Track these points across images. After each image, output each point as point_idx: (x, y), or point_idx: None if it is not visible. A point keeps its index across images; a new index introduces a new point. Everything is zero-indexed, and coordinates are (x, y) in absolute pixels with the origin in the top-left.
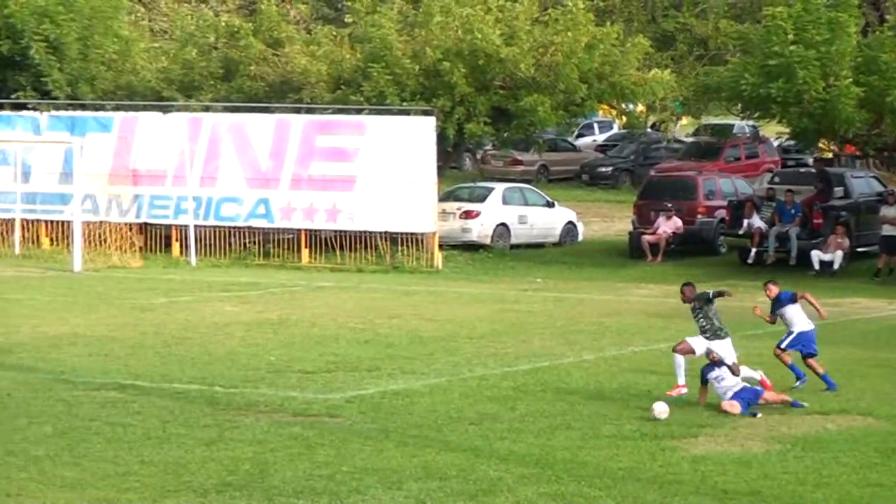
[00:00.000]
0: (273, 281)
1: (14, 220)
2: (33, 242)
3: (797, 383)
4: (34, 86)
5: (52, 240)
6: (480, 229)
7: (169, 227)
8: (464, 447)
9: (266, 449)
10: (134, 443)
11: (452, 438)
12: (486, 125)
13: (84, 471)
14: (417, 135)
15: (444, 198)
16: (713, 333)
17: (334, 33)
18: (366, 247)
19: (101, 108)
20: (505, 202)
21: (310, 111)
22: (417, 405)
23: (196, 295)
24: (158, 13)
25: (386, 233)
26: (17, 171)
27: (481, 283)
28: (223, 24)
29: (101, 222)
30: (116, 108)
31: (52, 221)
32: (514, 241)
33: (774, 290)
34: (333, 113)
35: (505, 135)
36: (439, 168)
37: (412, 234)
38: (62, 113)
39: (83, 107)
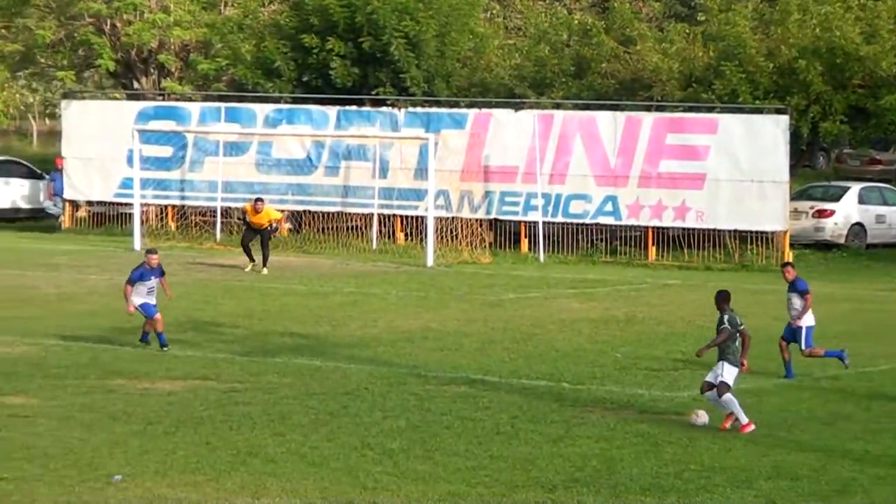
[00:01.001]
0: (620, 278)
1: (372, 214)
2: (389, 237)
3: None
4: (393, 82)
5: (406, 235)
6: (834, 228)
7: (518, 223)
8: (815, 447)
9: (612, 446)
10: (483, 437)
11: (803, 438)
12: (843, 124)
13: (436, 464)
14: (770, 133)
15: (796, 196)
16: (722, 352)
17: (687, 31)
18: (714, 245)
19: (456, 104)
20: (861, 201)
21: (660, 109)
22: (767, 404)
23: (544, 291)
24: (513, 10)
25: (735, 231)
26: (376, 167)
27: (834, 283)
28: (576, 21)
29: (452, 218)
30: (470, 105)
31: (406, 216)
32: (870, 240)
33: (793, 273)
34: (684, 111)
35: (862, 134)
36: (792, 167)
37: (762, 232)
38: (419, 109)
39: (438, 103)
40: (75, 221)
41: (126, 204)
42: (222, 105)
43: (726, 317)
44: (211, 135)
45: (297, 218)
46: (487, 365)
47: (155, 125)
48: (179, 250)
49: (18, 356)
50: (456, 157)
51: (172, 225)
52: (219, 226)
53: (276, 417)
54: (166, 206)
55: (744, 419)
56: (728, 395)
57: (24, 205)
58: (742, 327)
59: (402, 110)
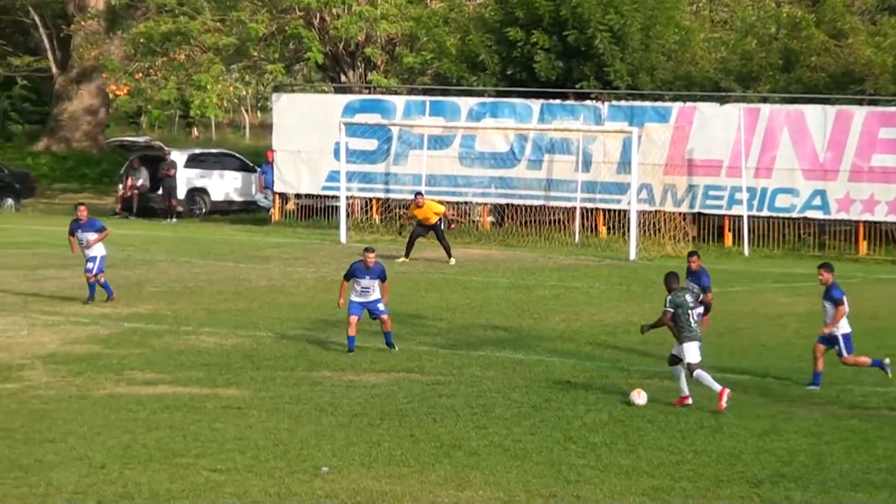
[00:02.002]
0: None
1: (575, 208)
2: (591, 231)
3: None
4: (597, 76)
5: (608, 228)
6: None
7: (722, 217)
8: None
9: (821, 441)
10: (687, 432)
11: None
12: None
13: (639, 458)
14: None
15: None
16: (678, 334)
17: None
18: None
19: (660, 98)
20: None
21: (872, 103)
22: None
23: (748, 285)
24: (719, 3)
25: None
26: (579, 161)
27: None
28: (785, 14)
29: (655, 211)
30: (674, 99)
31: (609, 210)
32: None
33: (827, 276)
34: None
35: None
36: None
37: None
38: (622, 103)
39: (642, 97)
40: (284, 214)
41: (332, 197)
42: (427, 98)
43: (669, 298)
44: (415, 128)
45: (499, 211)
46: None
47: (361, 118)
48: (384, 244)
49: (231, 348)
50: (659, 151)
51: (377, 218)
52: None
53: (479, 410)
54: (371, 199)
55: (716, 388)
56: (698, 372)
57: (236, 197)
58: (680, 308)
59: (606, 104)
